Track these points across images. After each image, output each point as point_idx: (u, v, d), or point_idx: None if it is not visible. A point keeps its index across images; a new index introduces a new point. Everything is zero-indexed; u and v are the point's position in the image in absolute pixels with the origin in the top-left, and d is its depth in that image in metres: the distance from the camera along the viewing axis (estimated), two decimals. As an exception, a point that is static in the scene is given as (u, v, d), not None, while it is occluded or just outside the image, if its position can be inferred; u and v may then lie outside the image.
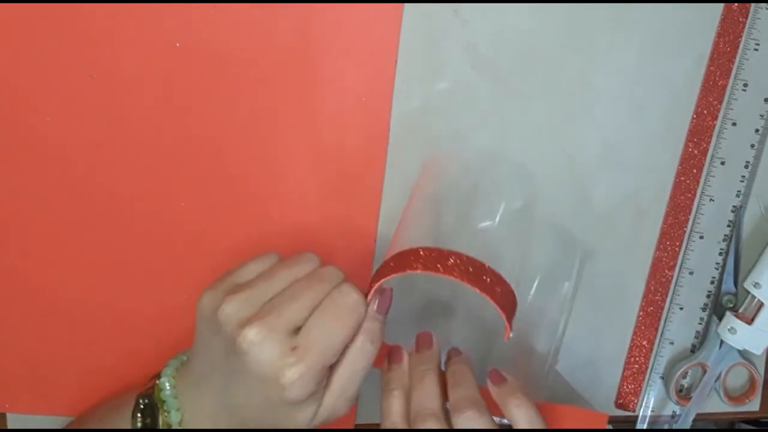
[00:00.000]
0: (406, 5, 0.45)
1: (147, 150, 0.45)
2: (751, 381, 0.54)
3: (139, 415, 0.39)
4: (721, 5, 0.48)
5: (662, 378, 0.53)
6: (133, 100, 0.44)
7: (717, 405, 0.54)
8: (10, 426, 0.45)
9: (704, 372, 0.52)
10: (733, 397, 0.54)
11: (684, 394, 0.53)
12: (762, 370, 0.53)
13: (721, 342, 0.52)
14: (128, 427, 0.40)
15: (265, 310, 0.36)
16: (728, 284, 0.52)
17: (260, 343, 0.35)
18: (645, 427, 0.53)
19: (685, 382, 0.54)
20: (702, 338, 0.53)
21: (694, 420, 0.52)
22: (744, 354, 0.52)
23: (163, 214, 0.46)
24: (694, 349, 0.53)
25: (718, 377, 0.52)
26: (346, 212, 0.47)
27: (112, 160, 0.45)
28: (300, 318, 0.36)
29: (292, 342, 0.35)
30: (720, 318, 0.52)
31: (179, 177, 0.45)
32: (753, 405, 0.54)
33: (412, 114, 0.47)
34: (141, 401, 0.40)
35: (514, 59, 0.47)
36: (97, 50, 0.43)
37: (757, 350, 0.51)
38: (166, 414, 0.39)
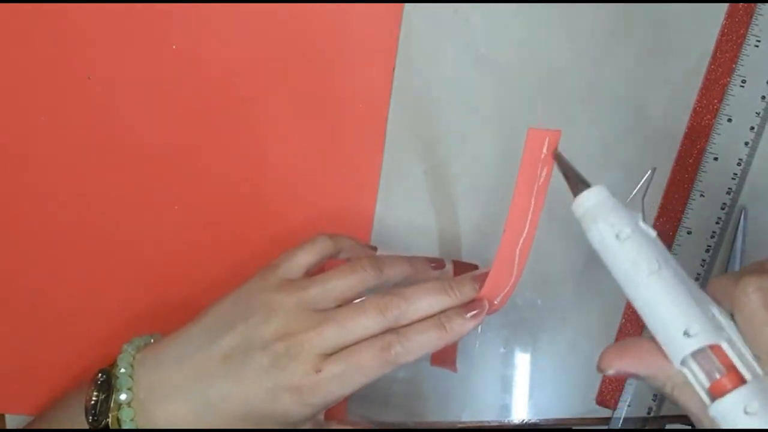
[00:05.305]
0: (406, 5, 0.44)
1: (143, 151, 0.44)
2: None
3: (94, 391, 0.37)
4: (726, 5, 0.48)
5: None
6: (130, 101, 0.44)
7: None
8: (8, 426, 0.46)
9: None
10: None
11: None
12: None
13: None
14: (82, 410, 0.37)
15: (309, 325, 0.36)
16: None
17: (289, 357, 0.35)
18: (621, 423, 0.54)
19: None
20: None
21: (677, 416, 0.52)
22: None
23: (157, 216, 0.45)
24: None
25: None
26: (343, 213, 0.47)
27: (107, 161, 0.44)
28: (340, 345, 0.36)
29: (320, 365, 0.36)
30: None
31: (175, 178, 0.45)
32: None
33: (411, 114, 0.46)
34: (99, 376, 0.37)
35: (514, 59, 0.47)
36: (94, 51, 0.43)
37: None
38: (116, 392, 0.36)
